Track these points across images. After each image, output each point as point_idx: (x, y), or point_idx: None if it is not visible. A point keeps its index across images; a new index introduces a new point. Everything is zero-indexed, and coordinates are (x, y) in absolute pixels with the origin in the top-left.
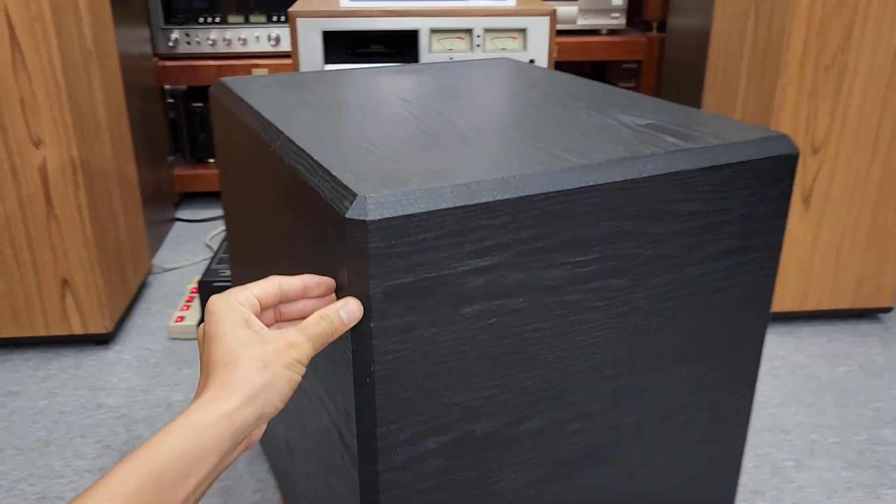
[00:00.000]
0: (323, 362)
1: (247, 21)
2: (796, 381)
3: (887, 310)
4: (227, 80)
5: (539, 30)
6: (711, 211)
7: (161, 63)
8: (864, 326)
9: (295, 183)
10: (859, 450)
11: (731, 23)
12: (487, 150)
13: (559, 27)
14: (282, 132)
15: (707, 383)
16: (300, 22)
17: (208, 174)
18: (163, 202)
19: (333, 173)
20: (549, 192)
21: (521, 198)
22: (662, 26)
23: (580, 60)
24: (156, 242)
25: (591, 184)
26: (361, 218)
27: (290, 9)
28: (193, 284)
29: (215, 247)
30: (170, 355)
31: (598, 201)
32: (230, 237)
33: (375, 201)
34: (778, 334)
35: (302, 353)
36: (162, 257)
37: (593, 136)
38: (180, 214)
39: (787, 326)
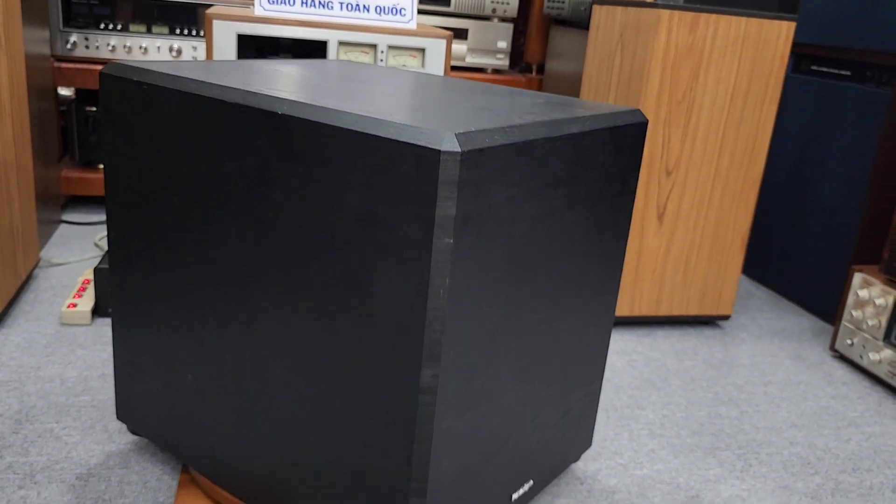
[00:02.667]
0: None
1: (149, 31)
2: (650, 370)
3: (726, 318)
4: (128, 62)
5: (437, 51)
6: (610, 161)
7: (57, 64)
8: (707, 331)
9: (330, 140)
10: (701, 422)
11: (600, 62)
12: (473, 111)
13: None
14: (285, 99)
15: (594, 292)
16: (216, 24)
17: (97, 178)
18: (49, 203)
19: (397, 121)
20: (546, 138)
21: (533, 140)
22: (541, 69)
23: None
24: (42, 240)
25: (564, 133)
26: (455, 150)
27: (208, 10)
28: (85, 276)
29: (106, 247)
30: (61, 339)
31: (567, 148)
32: (119, 253)
33: (461, 137)
34: (636, 335)
35: None
36: (48, 254)
37: (530, 105)
38: (67, 216)
39: (644, 329)
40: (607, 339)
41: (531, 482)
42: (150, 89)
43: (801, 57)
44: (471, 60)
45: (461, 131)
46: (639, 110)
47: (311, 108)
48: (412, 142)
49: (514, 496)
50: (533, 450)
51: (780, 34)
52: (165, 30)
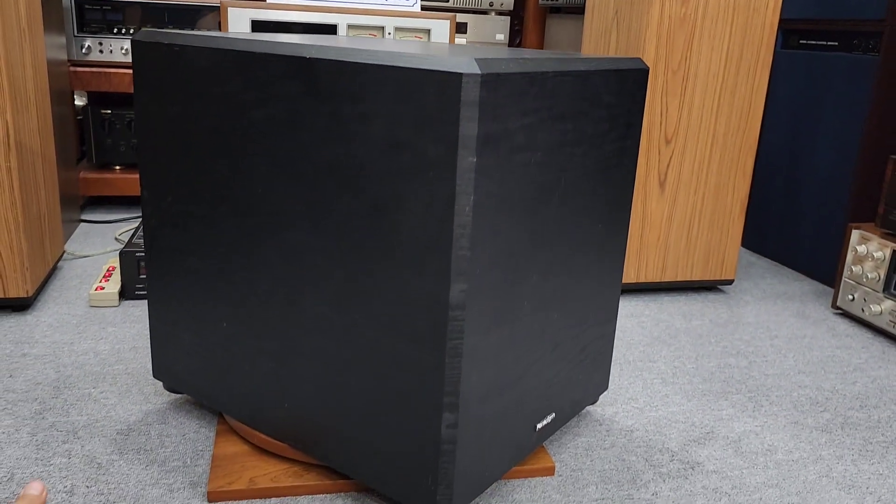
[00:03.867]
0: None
1: None
2: (659, 329)
3: (730, 282)
4: (154, 30)
5: (441, 31)
6: (615, 104)
7: (73, 69)
8: (712, 296)
9: (357, 75)
10: (711, 371)
11: (597, 38)
12: (481, 53)
13: None
14: (309, 45)
15: (605, 232)
16: (231, 10)
17: (114, 179)
18: (70, 203)
19: (418, 54)
20: (556, 72)
21: (544, 73)
22: None
23: None
24: (65, 238)
25: (572, 70)
26: (475, 72)
27: (223, 0)
28: (110, 264)
29: (126, 241)
30: (91, 318)
31: (574, 84)
32: (152, 212)
33: (481, 63)
34: (643, 301)
35: None
36: (71, 249)
37: (535, 53)
38: (85, 217)
39: (651, 295)
40: (619, 279)
41: (553, 415)
42: (180, 50)
43: (789, 33)
44: None
45: (480, 58)
46: (640, 59)
47: (336, 51)
48: (435, 68)
49: (538, 426)
50: (553, 382)
51: (767, 3)
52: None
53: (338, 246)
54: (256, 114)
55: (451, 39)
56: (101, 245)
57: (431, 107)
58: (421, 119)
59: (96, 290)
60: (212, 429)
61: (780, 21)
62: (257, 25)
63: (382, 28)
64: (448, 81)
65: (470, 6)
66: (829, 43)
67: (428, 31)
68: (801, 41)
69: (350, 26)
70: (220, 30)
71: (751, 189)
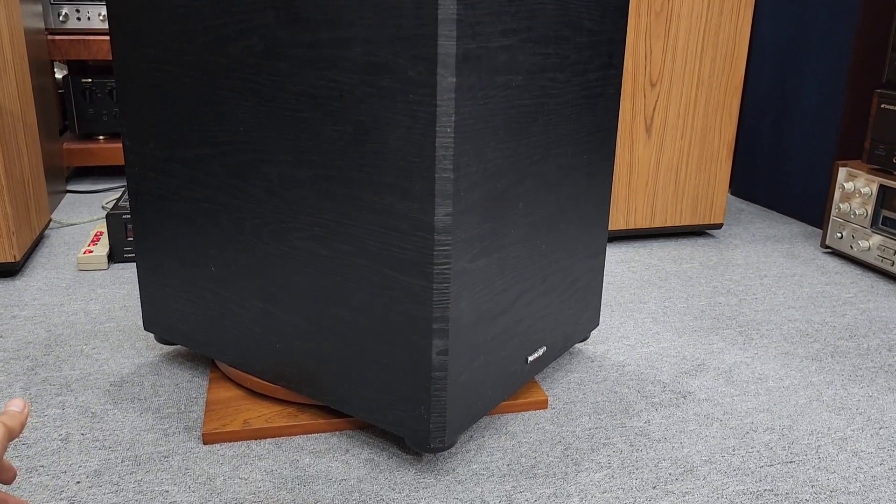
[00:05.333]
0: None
1: None
2: (650, 273)
3: (719, 226)
4: None
5: None
6: (597, 31)
7: (51, 37)
8: (701, 240)
9: (326, 3)
10: (702, 309)
11: None
12: None
13: None
14: None
15: (592, 163)
16: None
17: (98, 149)
18: (54, 174)
19: None
20: None
21: None
22: None
23: None
24: (51, 209)
25: None
26: None
27: None
28: (98, 229)
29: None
30: (81, 281)
31: (555, 9)
32: (134, 159)
33: None
34: (633, 247)
35: None
36: (58, 218)
37: None
38: (71, 187)
39: (640, 242)
40: (606, 211)
41: (544, 348)
42: None
43: None
44: None
45: None
46: None
47: None
48: None
49: (530, 358)
50: (544, 314)
51: None
52: None
53: (322, 175)
54: (234, 48)
55: None
56: (87, 214)
57: (408, 26)
58: (399, 40)
59: (84, 253)
60: (205, 378)
61: None
62: None
63: None
64: (423, 2)
65: None
66: None
67: None
68: None
69: None
70: None
71: (738, 134)
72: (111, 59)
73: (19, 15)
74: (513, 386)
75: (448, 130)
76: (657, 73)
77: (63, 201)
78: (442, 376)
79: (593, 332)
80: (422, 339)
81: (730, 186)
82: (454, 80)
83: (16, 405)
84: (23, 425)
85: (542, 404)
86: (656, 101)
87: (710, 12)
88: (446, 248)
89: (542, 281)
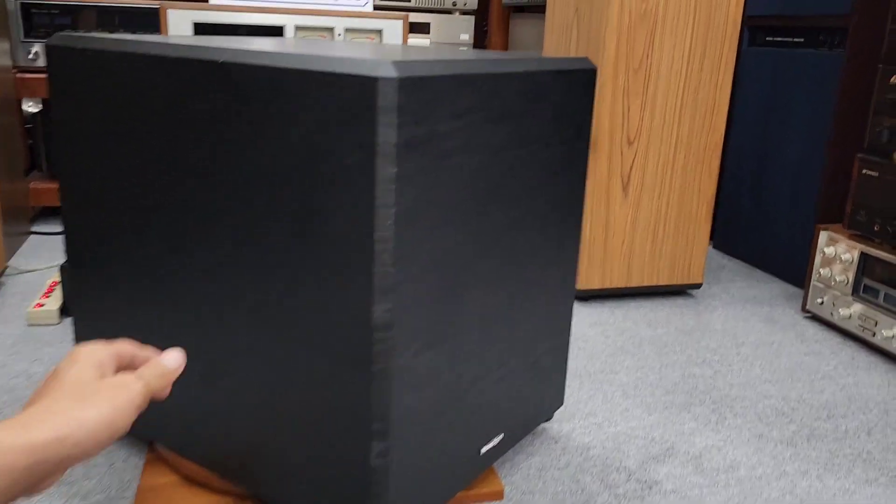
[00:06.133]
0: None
1: None
2: (623, 338)
3: (697, 286)
4: (70, 34)
5: (394, 31)
6: (563, 103)
7: (20, 75)
8: (679, 301)
9: (271, 80)
10: (675, 381)
11: (558, 36)
12: (415, 56)
13: None
14: (224, 48)
15: (555, 239)
16: (171, 13)
17: None
18: (18, 215)
19: (333, 55)
20: (491, 73)
21: (479, 74)
22: None
23: None
24: (10, 251)
25: (512, 70)
26: (391, 76)
27: (163, 2)
28: (54, 279)
29: None
30: (28, 338)
31: (516, 85)
32: (74, 227)
33: (396, 66)
34: (609, 308)
35: (133, 394)
36: (17, 263)
37: (479, 54)
38: (36, 229)
39: (616, 302)
40: (572, 287)
41: (501, 435)
42: (94, 55)
43: (755, 30)
44: None
45: (400, 60)
46: (587, 58)
47: (250, 54)
48: (350, 72)
49: (484, 449)
50: (501, 400)
51: None
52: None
53: (262, 262)
54: (173, 121)
55: (405, 40)
56: (48, 259)
57: (348, 112)
58: (339, 126)
59: (35, 307)
60: (141, 457)
61: (746, 18)
62: (200, 28)
63: (332, 29)
64: (364, 86)
65: (433, 6)
66: (795, 39)
67: (380, 32)
68: (767, 38)
69: (298, 28)
70: (162, 31)
71: (721, 190)
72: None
73: None
74: (465, 479)
75: (388, 223)
76: (635, 131)
77: (25, 244)
78: (381, 480)
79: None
80: (361, 440)
81: (712, 240)
82: (395, 170)
83: (172, 359)
84: (170, 385)
85: (498, 495)
86: (633, 160)
87: (690, 70)
88: (386, 344)
89: (499, 366)
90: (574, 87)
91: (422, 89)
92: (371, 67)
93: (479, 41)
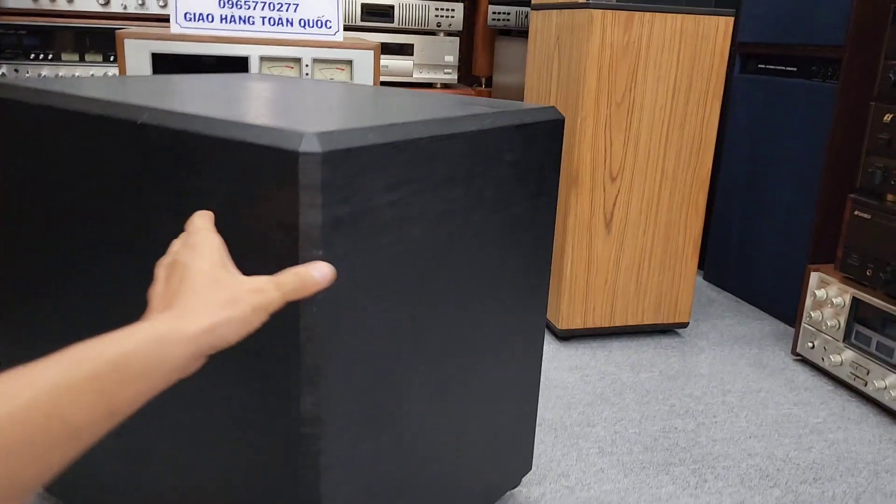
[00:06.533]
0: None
1: (82, 59)
2: (604, 385)
3: (684, 325)
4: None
5: (364, 62)
6: (521, 160)
7: None
8: (665, 340)
9: (190, 147)
10: (655, 436)
11: (540, 66)
12: (358, 112)
13: (397, 79)
14: (147, 107)
15: (518, 300)
16: (128, 42)
17: None
18: None
19: (256, 123)
20: (434, 136)
21: (418, 139)
22: (490, 81)
23: None
24: None
25: (458, 131)
26: (314, 151)
27: (119, 31)
28: None
29: None
30: None
31: (462, 146)
32: (3, 280)
33: (321, 138)
34: (591, 349)
35: (270, 300)
36: None
37: (431, 103)
38: None
39: (599, 342)
40: (539, 349)
41: None
42: (14, 106)
43: (747, 57)
44: (418, 76)
45: (325, 130)
46: (553, 108)
47: (171, 116)
48: (270, 144)
49: None
50: (461, 474)
51: (717, 29)
52: (99, 58)
53: None
54: (92, 180)
55: (376, 71)
56: None
57: (269, 188)
58: (259, 201)
59: None
60: None
61: (738, 45)
62: (158, 59)
63: (299, 60)
64: (285, 160)
65: (416, 27)
66: (787, 68)
67: (350, 63)
68: (759, 66)
69: (263, 58)
70: (119, 61)
71: (710, 220)
72: None
73: None
74: None
75: (314, 310)
76: (618, 166)
77: None
78: None
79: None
80: None
81: (702, 269)
82: (320, 252)
83: (319, 272)
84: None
85: None
86: (616, 196)
87: (676, 103)
88: (314, 439)
89: (456, 439)
90: (537, 140)
91: (350, 162)
92: (292, 139)
93: (465, 63)
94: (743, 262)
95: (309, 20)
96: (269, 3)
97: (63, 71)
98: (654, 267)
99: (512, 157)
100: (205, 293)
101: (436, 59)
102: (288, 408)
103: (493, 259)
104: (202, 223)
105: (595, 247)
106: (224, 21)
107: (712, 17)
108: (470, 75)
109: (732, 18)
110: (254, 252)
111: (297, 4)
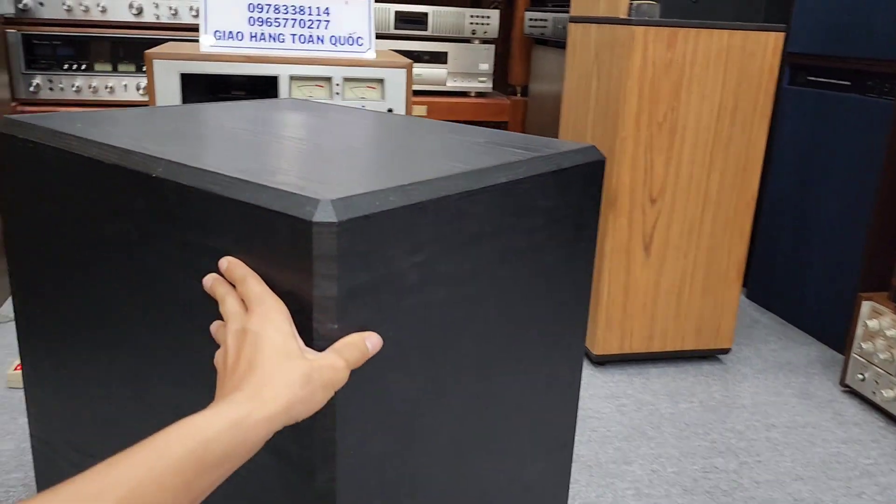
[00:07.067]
0: None
1: (115, 70)
2: (641, 416)
3: (726, 351)
4: (18, 117)
5: (397, 81)
6: (557, 207)
7: (21, 108)
8: (706, 366)
9: (204, 206)
10: (695, 477)
11: (578, 82)
12: (382, 164)
13: (430, 88)
14: (162, 159)
15: (554, 346)
16: (157, 63)
17: None
18: None
19: (271, 185)
20: (462, 192)
21: (443, 198)
22: (525, 90)
23: (450, 120)
24: (4, 293)
25: (486, 185)
26: (330, 220)
27: (148, 51)
28: None
29: None
30: (4, 405)
31: (491, 200)
32: (26, 300)
33: (337, 205)
34: (627, 375)
35: (341, 377)
36: (8, 308)
37: (463, 150)
38: None
39: (636, 367)
40: (575, 398)
41: None
42: (34, 147)
43: (797, 67)
44: (452, 85)
45: (341, 196)
46: (593, 147)
47: (187, 171)
48: (285, 211)
49: None
50: None
51: (767, 46)
52: (132, 67)
53: (196, 396)
54: (107, 229)
55: (409, 91)
56: None
57: (283, 256)
58: (273, 267)
59: (15, 369)
60: None
61: (787, 55)
62: (188, 79)
63: (329, 79)
64: (298, 229)
65: (451, 34)
66: (840, 82)
67: (381, 82)
68: (809, 77)
69: (293, 77)
70: (149, 82)
71: (756, 235)
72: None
73: None
74: None
75: None
76: (659, 188)
77: None
78: None
79: None
80: None
81: (745, 287)
82: (335, 326)
83: (372, 343)
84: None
85: None
86: (657, 219)
87: (721, 124)
88: None
89: (479, 499)
90: (574, 184)
91: (369, 229)
92: (306, 207)
93: (500, 71)
94: (789, 282)
95: (340, 37)
96: (300, 21)
97: (96, 81)
98: (695, 291)
99: (546, 204)
100: (280, 370)
101: (470, 67)
102: (302, 485)
103: (523, 312)
104: (264, 287)
105: (633, 270)
106: (254, 39)
107: (762, 32)
108: (505, 83)
109: (783, 34)
110: None
111: (329, 21)
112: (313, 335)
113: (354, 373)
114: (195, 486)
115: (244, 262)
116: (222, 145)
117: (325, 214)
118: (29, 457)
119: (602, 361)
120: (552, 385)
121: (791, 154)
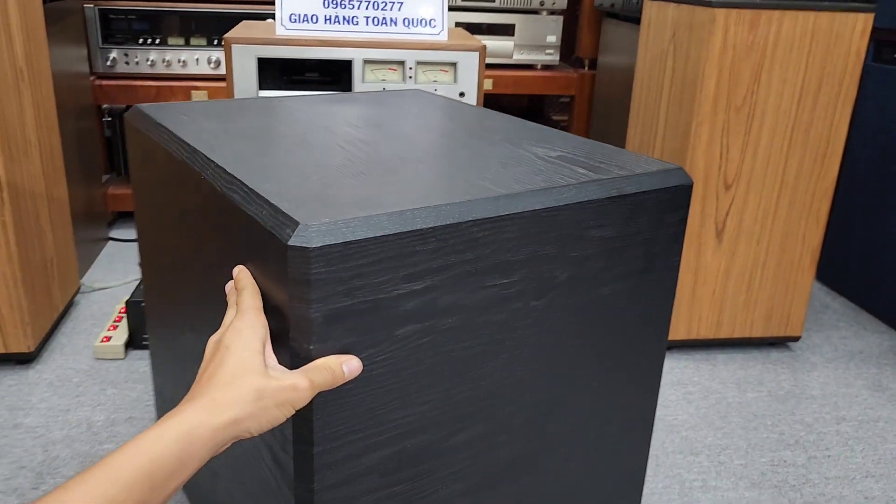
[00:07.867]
0: None
1: (187, 43)
2: (708, 405)
3: (796, 339)
4: (143, 106)
5: (469, 64)
6: (619, 236)
7: (98, 82)
8: (775, 354)
9: (229, 211)
10: (762, 471)
11: (652, 62)
12: (414, 179)
13: (496, 61)
14: (212, 161)
15: (616, 394)
16: (235, 48)
17: None
18: (95, 221)
19: (271, 201)
20: (477, 220)
21: (451, 225)
22: (594, 63)
23: (516, 94)
24: (87, 261)
25: (514, 212)
26: (304, 245)
27: (227, 34)
28: (122, 304)
29: None
30: (94, 375)
31: (521, 227)
32: (145, 262)
33: (317, 229)
34: (694, 361)
35: (300, 398)
36: (93, 276)
37: (511, 167)
38: (115, 233)
39: (703, 353)
40: (646, 443)
41: None
42: (146, 137)
43: (882, 44)
44: (518, 57)
45: (326, 221)
46: (680, 169)
47: (220, 175)
48: (271, 230)
49: None
50: None
51: (855, 27)
52: (204, 41)
53: None
54: (182, 209)
55: (481, 74)
56: (122, 273)
57: (271, 273)
58: (265, 283)
59: (102, 340)
60: None
61: (873, 30)
62: (264, 63)
63: (403, 63)
64: (278, 249)
65: (518, 6)
66: None
67: (454, 65)
68: (895, 55)
69: (367, 61)
70: (227, 66)
71: (830, 217)
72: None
73: (49, 84)
74: None
75: (306, 413)
76: (734, 173)
77: (103, 251)
78: None
79: None
80: None
81: (817, 272)
82: (311, 347)
83: (349, 367)
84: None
85: None
86: (730, 205)
87: (801, 108)
88: None
89: None
90: (641, 210)
91: (353, 255)
92: (285, 228)
93: (568, 44)
94: (864, 266)
95: (413, 19)
96: (373, 2)
97: (169, 55)
98: (766, 278)
99: (601, 233)
100: (235, 384)
101: (537, 39)
102: (287, 490)
103: (570, 345)
104: (253, 303)
105: (704, 256)
106: (328, 21)
107: (850, 13)
108: (573, 56)
109: (872, 15)
110: (273, 331)
111: (402, 3)
112: (290, 354)
113: (347, 392)
114: (151, 501)
115: (252, 272)
116: (275, 150)
117: (301, 239)
118: (121, 428)
119: (668, 346)
120: (614, 420)
121: (871, 133)
